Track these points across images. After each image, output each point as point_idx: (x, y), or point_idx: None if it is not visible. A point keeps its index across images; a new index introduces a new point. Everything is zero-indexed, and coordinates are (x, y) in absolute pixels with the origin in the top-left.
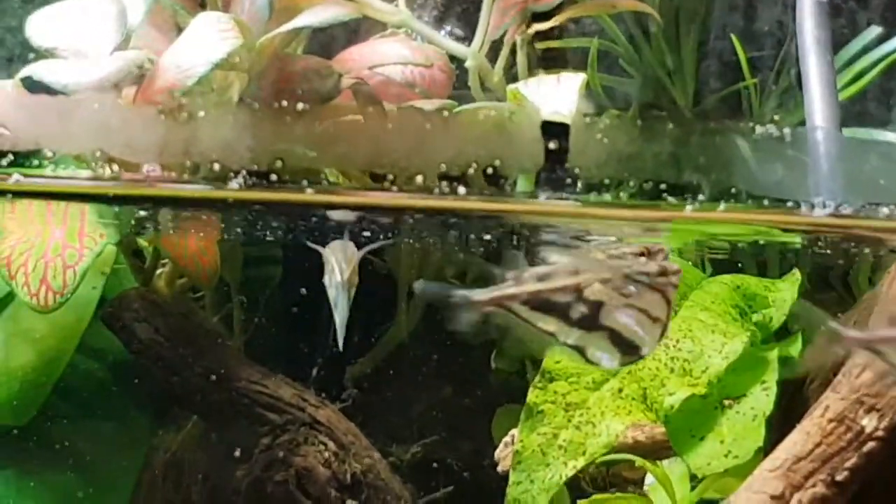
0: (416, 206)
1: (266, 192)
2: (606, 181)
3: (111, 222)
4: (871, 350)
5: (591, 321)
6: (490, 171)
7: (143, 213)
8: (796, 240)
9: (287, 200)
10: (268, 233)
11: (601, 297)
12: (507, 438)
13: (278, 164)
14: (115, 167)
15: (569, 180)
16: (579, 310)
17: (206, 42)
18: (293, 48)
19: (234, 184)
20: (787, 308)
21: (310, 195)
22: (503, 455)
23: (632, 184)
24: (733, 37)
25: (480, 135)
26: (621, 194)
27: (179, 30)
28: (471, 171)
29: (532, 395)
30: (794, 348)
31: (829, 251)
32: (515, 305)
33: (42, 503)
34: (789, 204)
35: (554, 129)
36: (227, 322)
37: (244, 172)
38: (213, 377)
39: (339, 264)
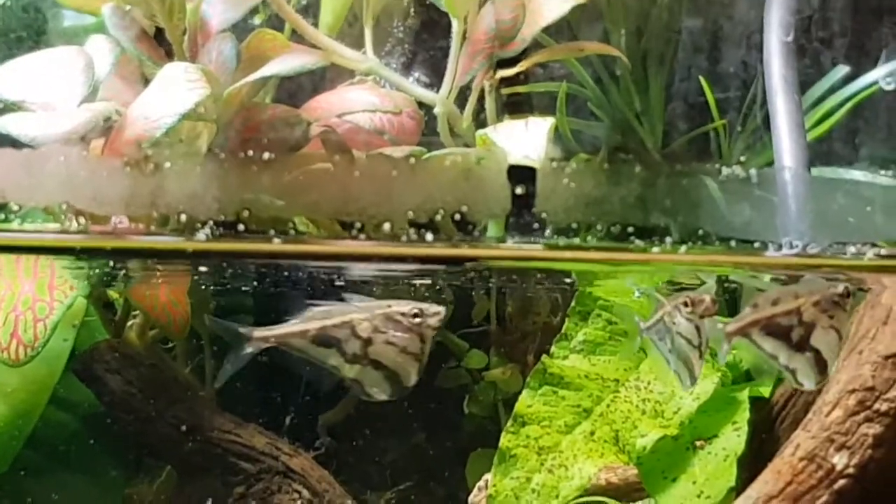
0: (384, 253)
1: (234, 242)
2: (574, 225)
3: (81, 275)
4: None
5: (804, 344)
6: (458, 217)
7: (112, 265)
8: (766, 279)
9: (255, 251)
10: (237, 282)
11: (814, 319)
12: (480, 483)
13: (246, 213)
14: (84, 220)
15: (537, 225)
16: (798, 333)
17: (174, 93)
18: (261, 97)
19: (201, 234)
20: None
21: (278, 245)
22: (477, 500)
23: (599, 227)
24: (701, 78)
25: (449, 181)
26: (589, 238)
27: (146, 81)
28: (439, 217)
29: (505, 440)
30: (765, 388)
31: None
32: (754, 332)
33: None
34: (757, 245)
35: (522, 174)
36: (199, 372)
37: (211, 223)
38: (186, 427)
39: None
